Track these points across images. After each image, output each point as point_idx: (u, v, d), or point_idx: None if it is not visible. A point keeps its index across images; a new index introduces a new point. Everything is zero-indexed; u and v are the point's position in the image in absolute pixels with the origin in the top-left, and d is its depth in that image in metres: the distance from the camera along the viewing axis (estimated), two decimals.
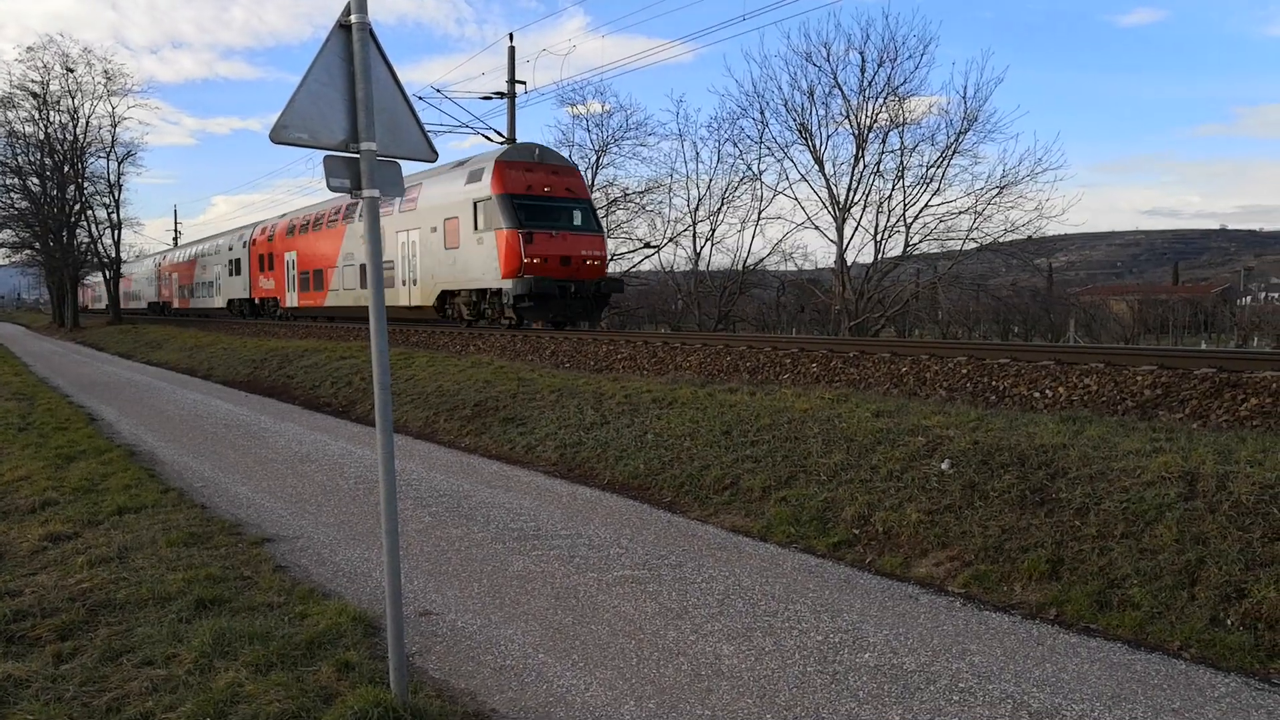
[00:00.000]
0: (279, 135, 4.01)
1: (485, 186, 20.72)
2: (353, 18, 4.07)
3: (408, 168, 5.19)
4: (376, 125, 4.15)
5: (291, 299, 33.12)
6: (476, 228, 21.00)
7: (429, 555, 6.61)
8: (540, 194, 20.81)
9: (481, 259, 20.89)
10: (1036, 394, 9.32)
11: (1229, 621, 4.80)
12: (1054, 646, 4.81)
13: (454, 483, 9.08)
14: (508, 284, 20.07)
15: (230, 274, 40.40)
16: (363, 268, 25.86)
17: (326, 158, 4.11)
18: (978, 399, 9.62)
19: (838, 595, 5.65)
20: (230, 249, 40.46)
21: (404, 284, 24.60)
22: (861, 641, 4.89)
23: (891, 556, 6.33)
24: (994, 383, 9.83)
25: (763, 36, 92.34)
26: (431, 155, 4.47)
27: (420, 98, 30.38)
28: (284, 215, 36.04)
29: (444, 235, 22.42)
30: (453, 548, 6.80)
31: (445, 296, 23.00)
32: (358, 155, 4.15)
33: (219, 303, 42.36)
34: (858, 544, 6.62)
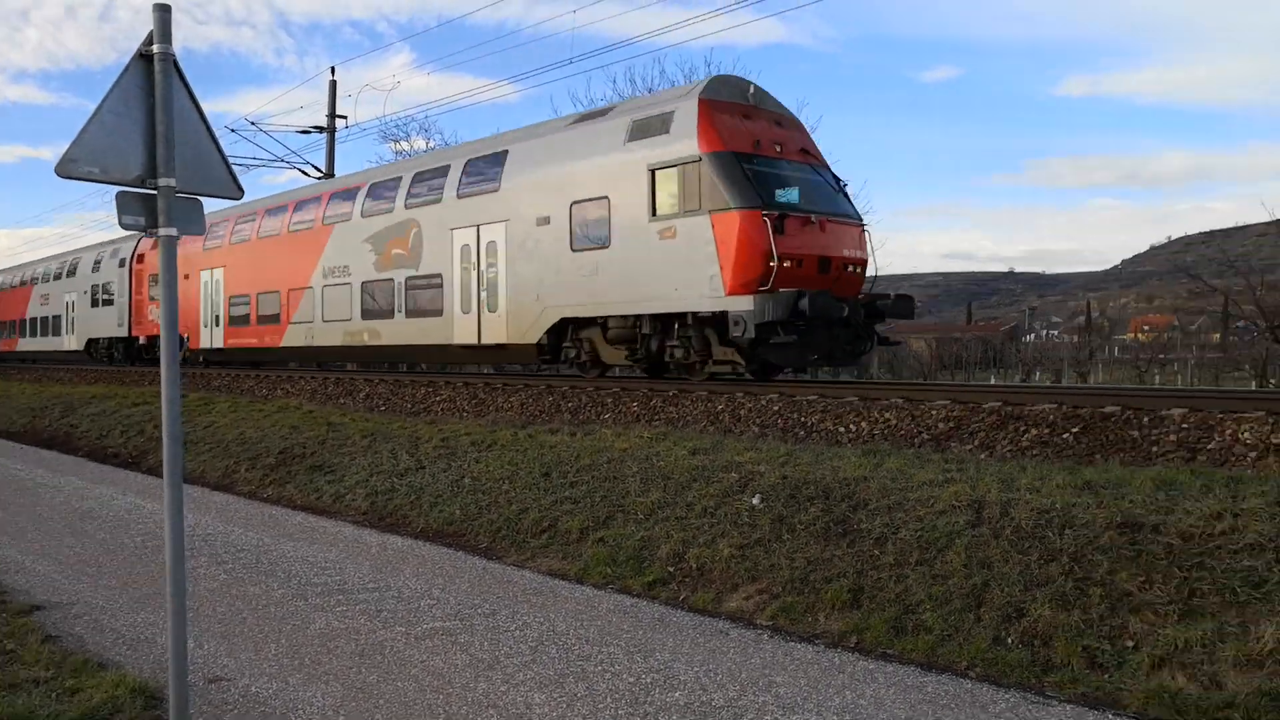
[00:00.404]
0: (67, 169, 3.73)
1: (682, 141, 12.69)
2: (155, 47, 3.85)
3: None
4: (177, 160, 3.93)
5: (213, 337, 23.34)
6: (655, 213, 12.94)
7: (222, 617, 6.16)
8: (771, 154, 12.98)
9: (671, 264, 12.78)
10: (841, 429, 9.75)
11: (1010, 640, 5.12)
12: (854, 674, 4.97)
13: (253, 537, 8.55)
14: (742, 304, 11.90)
15: (94, 304, 30.01)
16: (366, 286, 18.15)
17: (119, 193, 3.86)
18: (788, 435, 9.97)
19: (651, 635, 5.66)
20: (95, 269, 29.94)
21: (464, 310, 16.08)
22: (673, 680, 4.90)
23: (704, 592, 6.41)
24: (803, 419, 10.21)
25: (589, 80, 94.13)
26: (236, 193, 4.31)
27: (232, 129, 29.14)
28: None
29: (570, 229, 14.16)
30: (249, 607, 6.37)
31: (565, 330, 14.68)
32: (154, 192, 3.89)
33: (71, 344, 31.90)
34: (672, 581, 6.67)
